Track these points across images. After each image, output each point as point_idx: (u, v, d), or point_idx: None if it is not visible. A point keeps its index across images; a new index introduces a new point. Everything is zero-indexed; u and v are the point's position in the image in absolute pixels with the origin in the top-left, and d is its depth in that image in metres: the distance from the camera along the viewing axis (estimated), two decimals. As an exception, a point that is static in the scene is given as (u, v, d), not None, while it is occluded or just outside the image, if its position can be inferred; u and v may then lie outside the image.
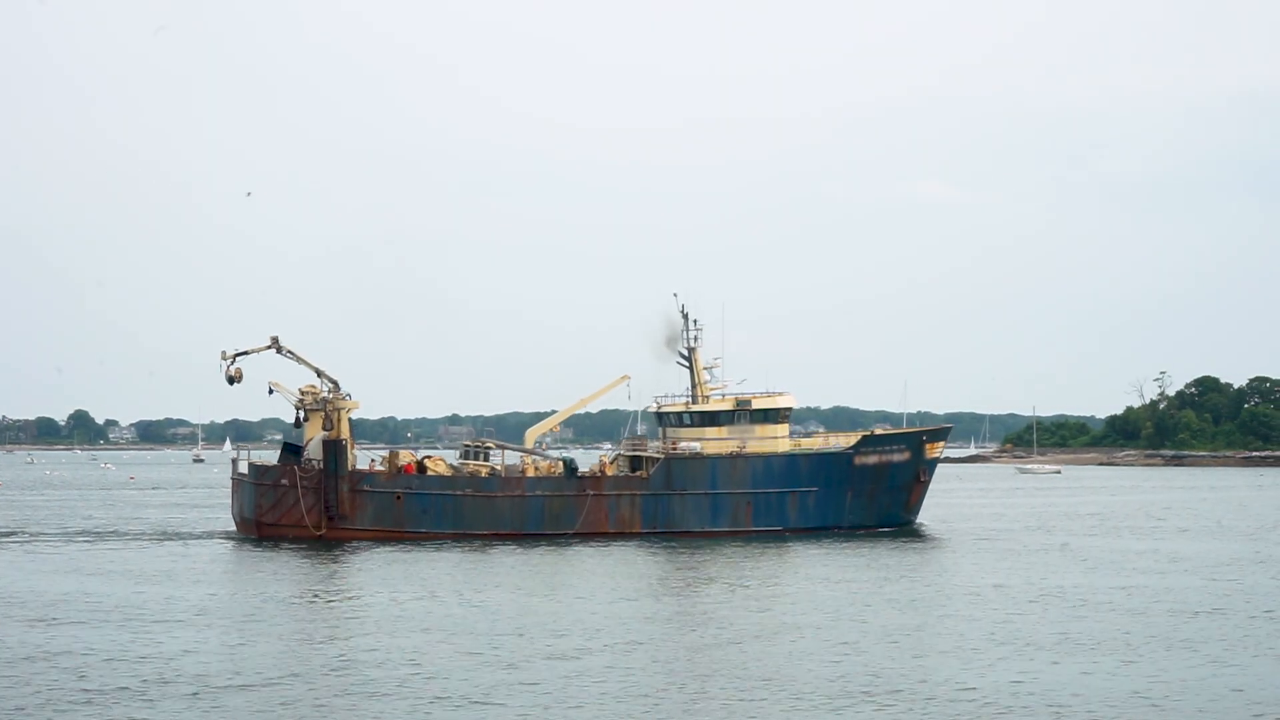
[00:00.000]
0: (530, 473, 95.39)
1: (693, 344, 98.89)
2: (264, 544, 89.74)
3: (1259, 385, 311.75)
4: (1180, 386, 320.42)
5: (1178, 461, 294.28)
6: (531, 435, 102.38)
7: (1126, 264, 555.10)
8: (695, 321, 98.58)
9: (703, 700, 40.16)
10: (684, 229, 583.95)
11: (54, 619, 56.80)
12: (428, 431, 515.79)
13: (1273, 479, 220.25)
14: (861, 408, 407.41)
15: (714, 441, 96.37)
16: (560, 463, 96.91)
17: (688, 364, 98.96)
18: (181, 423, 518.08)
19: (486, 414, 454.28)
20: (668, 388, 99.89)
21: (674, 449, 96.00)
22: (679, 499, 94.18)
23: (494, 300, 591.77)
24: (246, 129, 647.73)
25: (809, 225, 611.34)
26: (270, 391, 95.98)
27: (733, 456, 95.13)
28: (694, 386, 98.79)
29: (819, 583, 68.40)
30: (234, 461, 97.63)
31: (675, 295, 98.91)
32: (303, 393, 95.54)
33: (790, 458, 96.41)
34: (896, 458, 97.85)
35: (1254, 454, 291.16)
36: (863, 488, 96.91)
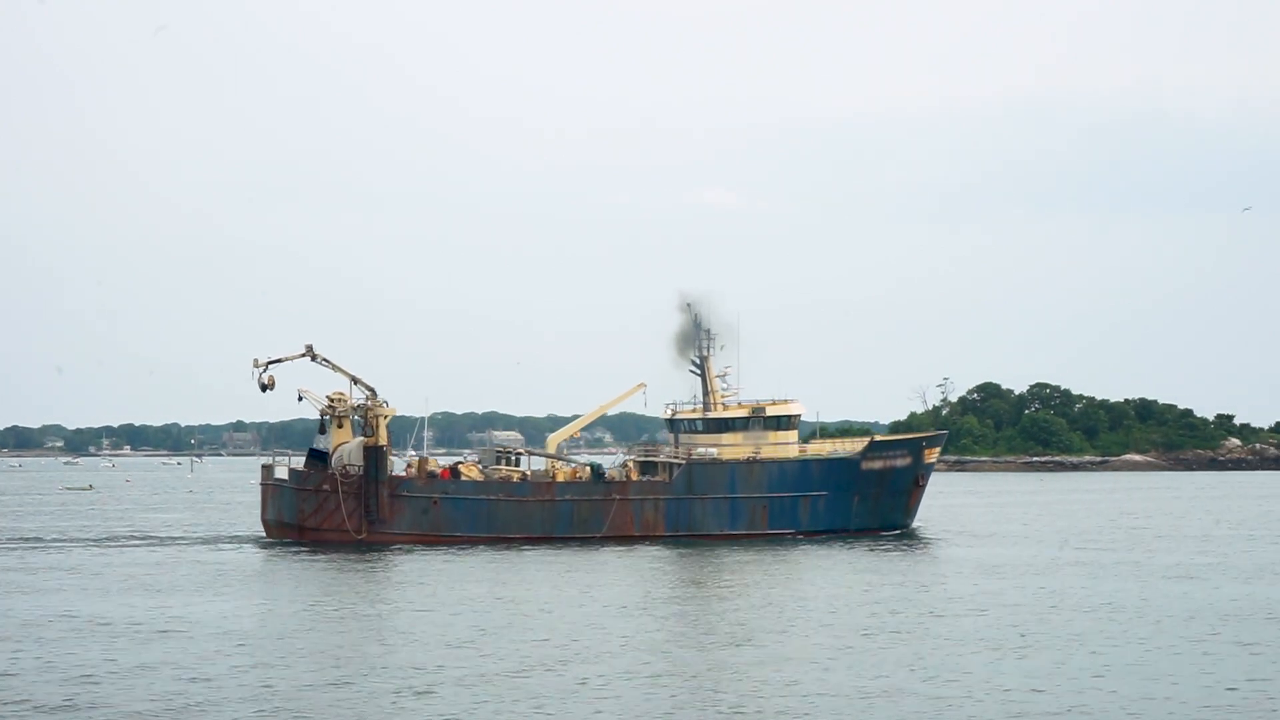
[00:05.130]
0: (559, 478, 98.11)
1: (705, 353, 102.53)
2: (311, 547, 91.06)
3: (1039, 391, 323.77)
4: (963, 392, 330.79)
5: (960, 467, 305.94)
6: (554, 441, 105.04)
7: (911, 270, 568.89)
8: (709, 331, 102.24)
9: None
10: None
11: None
12: (212, 438, 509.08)
13: (1053, 483, 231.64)
14: (648, 414, 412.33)
15: (729, 447, 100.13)
16: (587, 468, 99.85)
17: (700, 372, 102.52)
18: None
19: (271, 420, 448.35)
20: (671, 395, 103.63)
21: (690, 455, 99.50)
22: (700, 503, 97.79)
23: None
24: (246, 129, 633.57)
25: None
26: (299, 398, 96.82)
27: (750, 462, 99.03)
28: (706, 394, 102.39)
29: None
30: (267, 468, 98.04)
31: (689, 305, 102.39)
32: (331, 399, 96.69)
33: (803, 463, 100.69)
34: (899, 463, 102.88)
35: (1034, 459, 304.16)
36: (868, 492, 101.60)
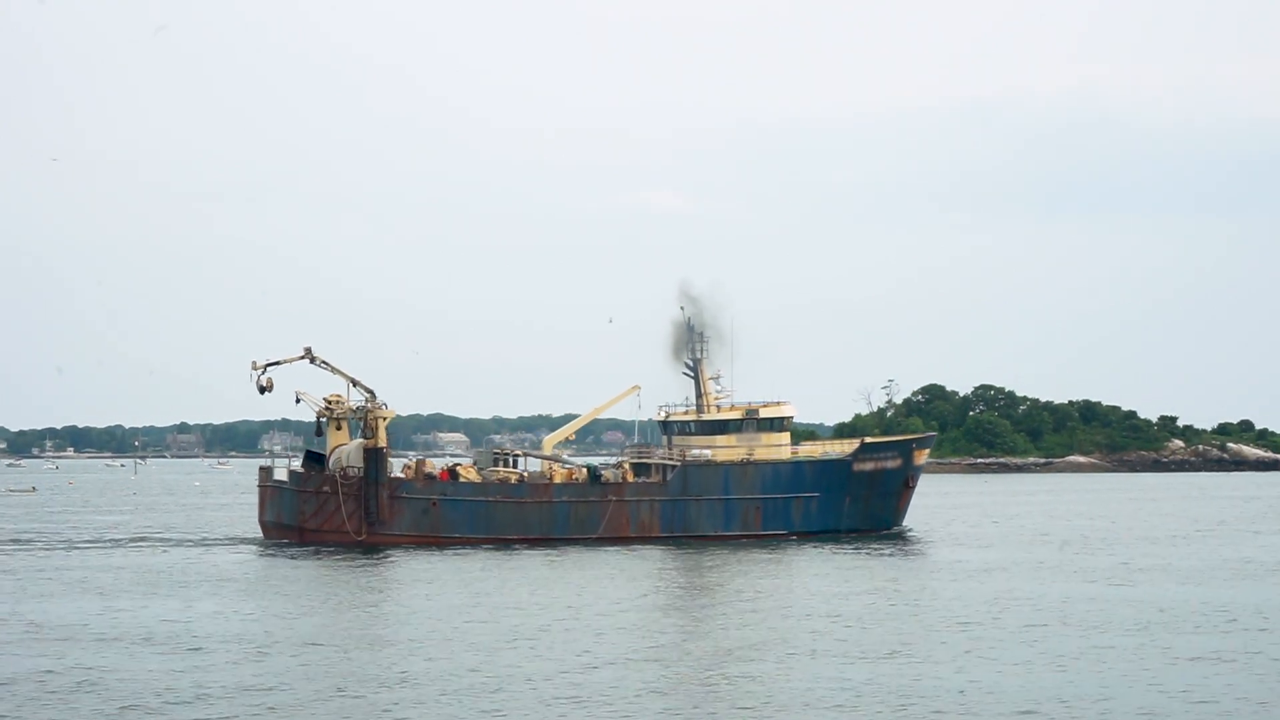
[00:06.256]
0: (556, 479, 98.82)
1: (699, 355, 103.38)
2: (313, 548, 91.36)
3: (983, 393, 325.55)
4: (907, 394, 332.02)
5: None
6: (549, 442, 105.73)
7: (854, 273, 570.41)
8: (702, 334, 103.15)
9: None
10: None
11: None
12: (156, 440, 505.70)
13: (998, 485, 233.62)
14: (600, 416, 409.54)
15: (724, 449, 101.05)
16: (584, 469, 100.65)
17: (693, 374, 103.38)
18: None
19: (215, 422, 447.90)
20: (649, 395, 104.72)
21: (685, 457, 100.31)
22: (695, 504, 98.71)
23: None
24: (245, 130, 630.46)
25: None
26: (297, 401, 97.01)
27: (744, 464, 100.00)
28: (700, 396, 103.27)
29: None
30: (265, 469, 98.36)
31: (682, 309, 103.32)
32: (329, 402, 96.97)
33: (796, 464, 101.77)
34: (890, 464, 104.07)
35: (978, 460, 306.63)
36: (859, 493, 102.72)
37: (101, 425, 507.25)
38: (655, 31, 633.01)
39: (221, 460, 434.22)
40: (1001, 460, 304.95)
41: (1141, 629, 56.56)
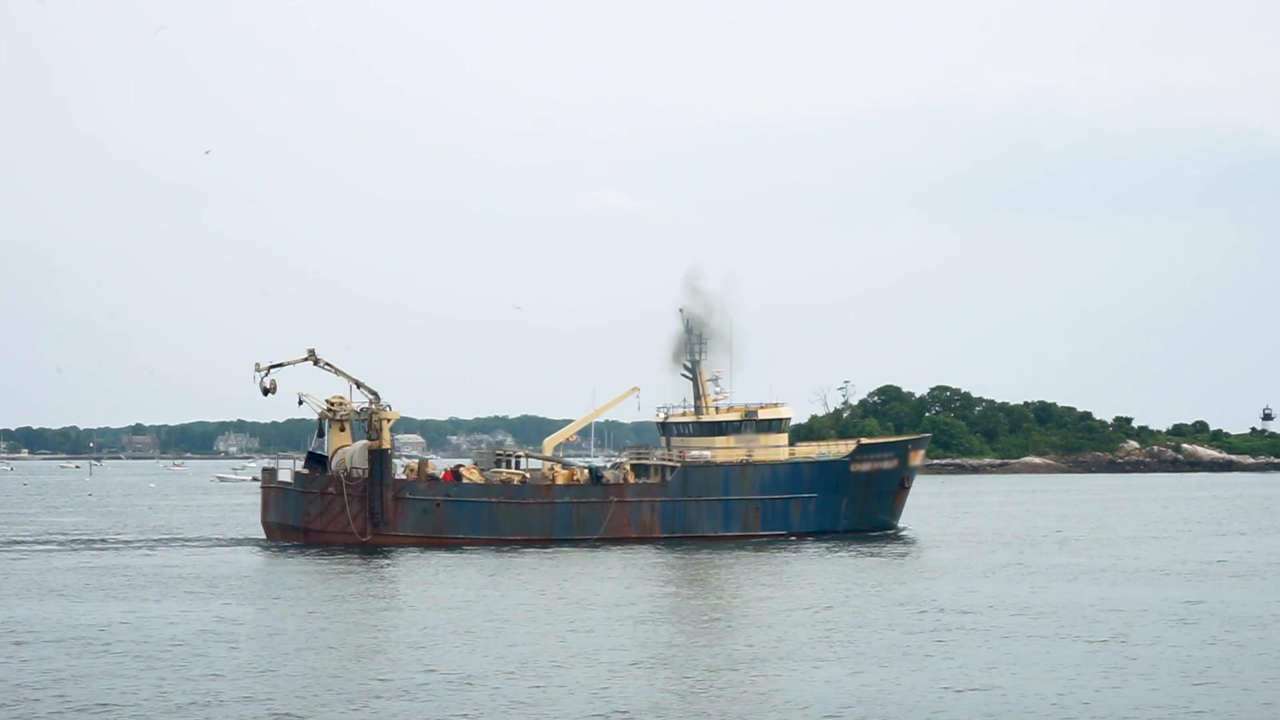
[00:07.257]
0: (559, 480, 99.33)
1: (697, 357, 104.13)
2: (318, 549, 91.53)
3: (939, 394, 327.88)
4: (863, 395, 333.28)
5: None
6: (550, 444, 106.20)
7: (810, 273, 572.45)
8: (700, 336, 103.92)
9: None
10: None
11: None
12: (111, 441, 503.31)
13: (958, 485, 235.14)
14: (550, 416, 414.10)
15: (722, 450, 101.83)
16: (585, 470, 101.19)
17: (691, 376, 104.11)
18: None
19: (171, 423, 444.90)
20: (662, 398, 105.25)
21: (684, 458, 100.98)
22: (695, 505, 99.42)
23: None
24: (245, 130, 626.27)
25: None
26: (300, 402, 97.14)
27: (743, 465, 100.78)
28: (698, 398, 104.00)
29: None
30: (269, 470, 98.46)
31: (681, 310, 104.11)
32: (331, 404, 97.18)
33: (794, 465, 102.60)
34: (886, 465, 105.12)
35: (934, 461, 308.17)
36: (856, 493, 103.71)
37: (56, 427, 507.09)
38: (655, 35, 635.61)
39: (177, 462, 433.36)
40: (957, 461, 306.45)
41: (1154, 630, 57.58)
